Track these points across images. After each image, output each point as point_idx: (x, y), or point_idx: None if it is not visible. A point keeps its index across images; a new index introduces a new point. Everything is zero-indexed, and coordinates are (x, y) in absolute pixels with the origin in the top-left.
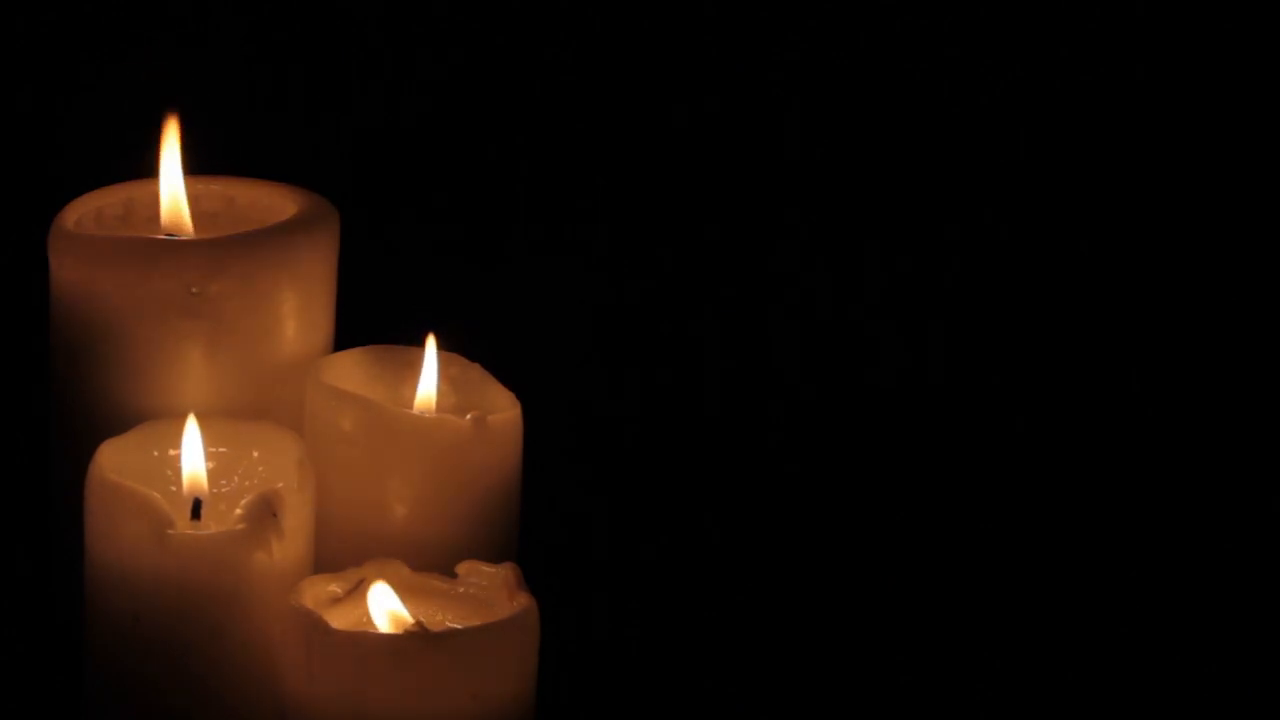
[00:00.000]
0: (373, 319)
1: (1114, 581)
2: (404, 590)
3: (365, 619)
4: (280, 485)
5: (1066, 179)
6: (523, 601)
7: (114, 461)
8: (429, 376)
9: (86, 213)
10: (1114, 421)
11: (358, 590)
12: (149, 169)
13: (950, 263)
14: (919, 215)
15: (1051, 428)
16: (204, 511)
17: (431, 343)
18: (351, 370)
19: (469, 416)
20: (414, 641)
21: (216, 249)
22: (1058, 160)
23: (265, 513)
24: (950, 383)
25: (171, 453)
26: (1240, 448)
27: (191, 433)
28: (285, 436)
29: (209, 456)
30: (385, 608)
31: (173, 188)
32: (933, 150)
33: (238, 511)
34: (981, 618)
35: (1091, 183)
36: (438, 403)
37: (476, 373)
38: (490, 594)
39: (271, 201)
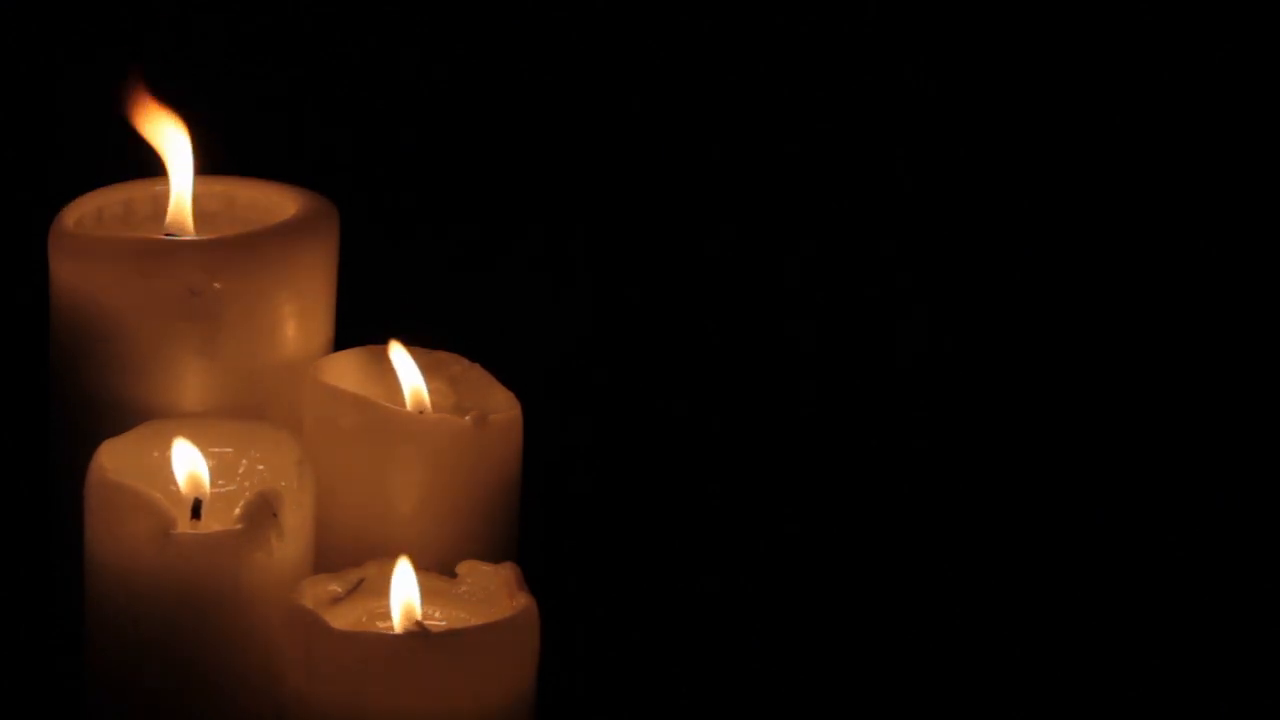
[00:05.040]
0: (373, 319)
1: (1117, 588)
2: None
3: (365, 618)
4: (280, 485)
5: (1069, 180)
6: (523, 601)
7: (114, 461)
8: (409, 375)
9: (86, 213)
10: (1121, 429)
11: (358, 590)
12: (149, 169)
13: (955, 269)
14: (924, 218)
15: (1055, 444)
16: (204, 511)
17: (396, 347)
18: (351, 370)
19: (469, 416)
20: (414, 641)
21: (216, 249)
22: (1061, 162)
23: (265, 513)
24: (951, 396)
25: (170, 458)
26: (1241, 450)
27: (182, 446)
28: (285, 436)
29: (209, 456)
30: (402, 598)
31: (181, 187)
32: (933, 153)
33: (237, 511)
34: (979, 626)
35: (1092, 186)
36: (436, 402)
37: (476, 373)
38: (490, 594)
39: (271, 201)
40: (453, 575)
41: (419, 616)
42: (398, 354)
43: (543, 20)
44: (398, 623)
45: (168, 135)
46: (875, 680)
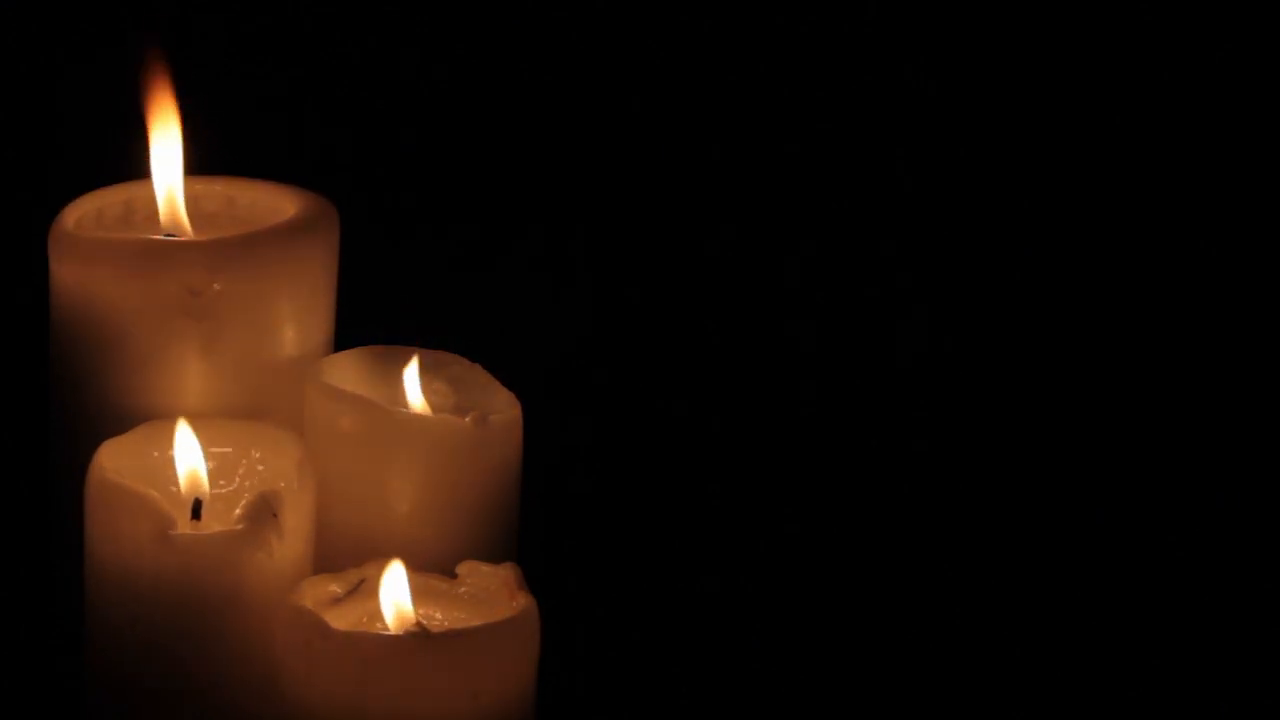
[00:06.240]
0: (373, 319)
1: (1117, 588)
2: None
3: (365, 618)
4: (280, 485)
5: (1069, 180)
6: (523, 601)
7: (114, 461)
8: (413, 381)
9: (86, 213)
10: (1120, 429)
11: (358, 590)
12: (148, 169)
13: (955, 269)
14: (924, 218)
15: (1055, 444)
16: (204, 511)
17: (414, 360)
18: (351, 370)
19: (469, 416)
20: (414, 641)
21: (216, 249)
22: (1061, 162)
23: (265, 513)
24: (951, 396)
25: (171, 453)
26: (1241, 450)
27: (185, 435)
28: (285, 436)
29: (209, 456)
30: (394, 600)
31: (168, 186)
32: (933, 153)
33: (237, 511)
34: (979, 626)
35: (1092, 186)
36: (436, 403)
37: (476, 373)
38: (490, 594)
39: (271, 201)
40: (453, 576)
41: (414, 617)
42: (414, 368)
43: (543, 20)
44: (391, 624)
45: (162, 130)
46: (875, 680)
